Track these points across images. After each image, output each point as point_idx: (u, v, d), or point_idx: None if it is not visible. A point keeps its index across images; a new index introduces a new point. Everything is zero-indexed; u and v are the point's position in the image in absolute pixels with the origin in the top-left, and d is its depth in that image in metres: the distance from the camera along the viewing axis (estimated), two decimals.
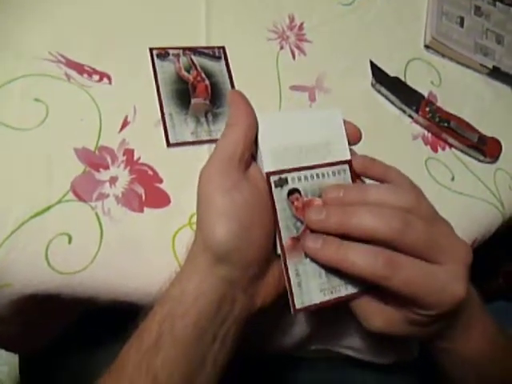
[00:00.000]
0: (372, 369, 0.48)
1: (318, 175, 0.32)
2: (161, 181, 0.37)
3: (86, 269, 0.33)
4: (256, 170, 0.32)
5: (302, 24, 0.48)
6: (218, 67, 0.43)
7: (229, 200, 0.29)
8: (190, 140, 0.39)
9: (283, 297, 0.30)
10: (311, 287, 0.30)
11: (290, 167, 0.31)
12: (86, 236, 0.34)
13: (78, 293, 0.33)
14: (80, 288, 0.33)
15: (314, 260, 0.30)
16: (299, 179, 0.31)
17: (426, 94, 0.47)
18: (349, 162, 0.32)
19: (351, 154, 0.33)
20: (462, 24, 0.53)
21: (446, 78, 0.50)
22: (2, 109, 0.36)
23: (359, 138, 0.34)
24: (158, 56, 0.42)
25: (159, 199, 0.37)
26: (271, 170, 0.31)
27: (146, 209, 0.36)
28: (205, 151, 0.39)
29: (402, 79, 0.48)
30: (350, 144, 0.34)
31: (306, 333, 0.42)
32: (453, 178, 0.45)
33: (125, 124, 0.39)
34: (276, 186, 0.31)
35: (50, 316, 0.39)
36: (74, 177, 0.35)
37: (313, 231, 0.30)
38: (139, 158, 0.37)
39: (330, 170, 0.32)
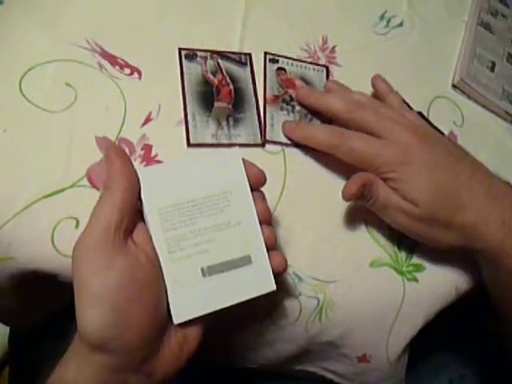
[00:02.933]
0: None
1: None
2: None
3: None
4: (141, 234, 0.29)
5: (334, 47, 0.48)
6: (243, 73, 0.43)
7: (102, 283, 0.26)
8: (210, 142, 0.40)
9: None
10: None
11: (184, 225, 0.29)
12: None
13: None
14: None
15: None
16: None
17: (446, 133, 0.47)
18: None
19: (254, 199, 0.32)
20: (492, 69, 0.53)
21: (468, 120, 0.50)
22: (34, 88, 0.37)
23: (263, 182, 0.33)
24: (186, 57, 0.42)
25: None
26: (159, 233, 0.29)
27: None
28: None
29: (426, 115, 0.48)
30: (253, 189, 0.32)
31: (292, 352, 0.42)
32: None
33: (148, 120, 0.39)
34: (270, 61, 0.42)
35: (47, 295, 0.39)
36: (90, 164, 0.36)
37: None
38: (156, 155, 0.38)
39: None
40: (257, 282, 0.31)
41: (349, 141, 0.38)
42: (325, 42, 0.48)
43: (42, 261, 0.34)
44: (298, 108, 0.43)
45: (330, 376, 0.46)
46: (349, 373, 0.44)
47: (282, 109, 0.43)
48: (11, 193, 0.34)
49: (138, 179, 0.29)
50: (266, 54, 0.45)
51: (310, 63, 0.46)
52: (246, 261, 0.31)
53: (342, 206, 0.41)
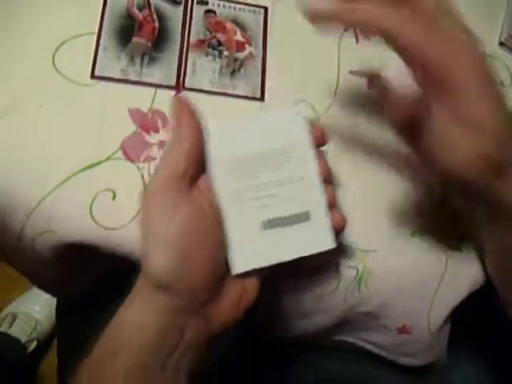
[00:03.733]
0: (394, 369, 0.47)
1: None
2: None
3: (125, 227, 0.35)
4: (204, 184, 0.30)
5: None
6: (174, 12, 0.40)
7: (168, 225, 0.27)
8: (117, 77, 0.38)
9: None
10: None
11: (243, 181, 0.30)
12: (129, 195, 0.35)
13: (116, 248, 0.34)
14: (117, 244, 0.34)
15: None
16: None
17: None
18: None
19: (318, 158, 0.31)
20: None
21: None
22: (66, 62, 0.37)
23: (325, 140, 0.32)
24: None
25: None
26: (223, 185, 0.30)
27: None
28: None
29: None
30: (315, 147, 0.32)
31: (330, 322, 0.41)
32: None
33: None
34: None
35: (88, 265, 0.40)
36: (124, 136, 0.36)
37: None
38: None
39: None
40: (316, 239, 0.31)
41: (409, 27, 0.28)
42: None
43: (81, 233, 0.35)
44: (226, 53, 0.40)
45: (368, 347, 0.45)
46: (388, 344, 0.44)
47: (207, 54, 0.40)
48: (48, 168, 0.35)
49: (204, 133, 0.30)
50: None
51: (246, 4, 0.42)
52: (306, 217, 0.31)
53: (382, 174, 0.39)
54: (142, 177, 0.36)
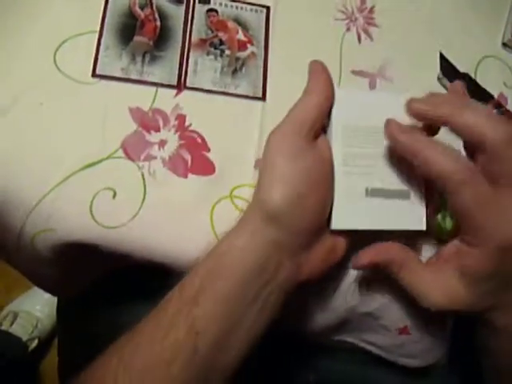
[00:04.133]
0: (394, 370, 0.47)
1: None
2: (208, 150, 0.38)
3: (125, 225, 0.34)
4: (324, 142, 0.32)
5: (372, 7, 0.46)
6: (175, 11, 0.41)
7: (291, 166, 0.29)
8: (118, 76, 0.38)
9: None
10: None
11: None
12: (129, 194, 0.35)
13: (115, 247, 0.34)
14: (117, 243, 0.34)
15: None
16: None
17: (495, 95, 0.44)
18: None
19: None
20: None
21: None
22: (67, 61, 0.38)
23: (435, 131, 0.33)
24: None
25: (204, 167, 0.37)
26: (339, 146, 0.32)
27: (190, 175, 0.36)
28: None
29: (472, 76, 0.45)
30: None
31: (331, 322, 0.41)
32: None
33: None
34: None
35: (88, 265, 0.40)
36: (125, 135, 0.36)
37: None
38: (190, 125, 0.38)
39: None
40: (410, 218, 0.33)
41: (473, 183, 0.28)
42: (363, 1, 0.46)
43: (81, 232, 0.34)
44: (227, 52, 0.41)
45: (369, 347, 0.45)
46: (388, 345, 0.44)
47: (208, 53, 0.40)
48: (49, 166, 0.35)
49: (334, 94, 0.32)
50: None
51: (248, 3, 0.42)
52: (406, 195, 0.33)
53: None
54: (143, 176, 0.36)
